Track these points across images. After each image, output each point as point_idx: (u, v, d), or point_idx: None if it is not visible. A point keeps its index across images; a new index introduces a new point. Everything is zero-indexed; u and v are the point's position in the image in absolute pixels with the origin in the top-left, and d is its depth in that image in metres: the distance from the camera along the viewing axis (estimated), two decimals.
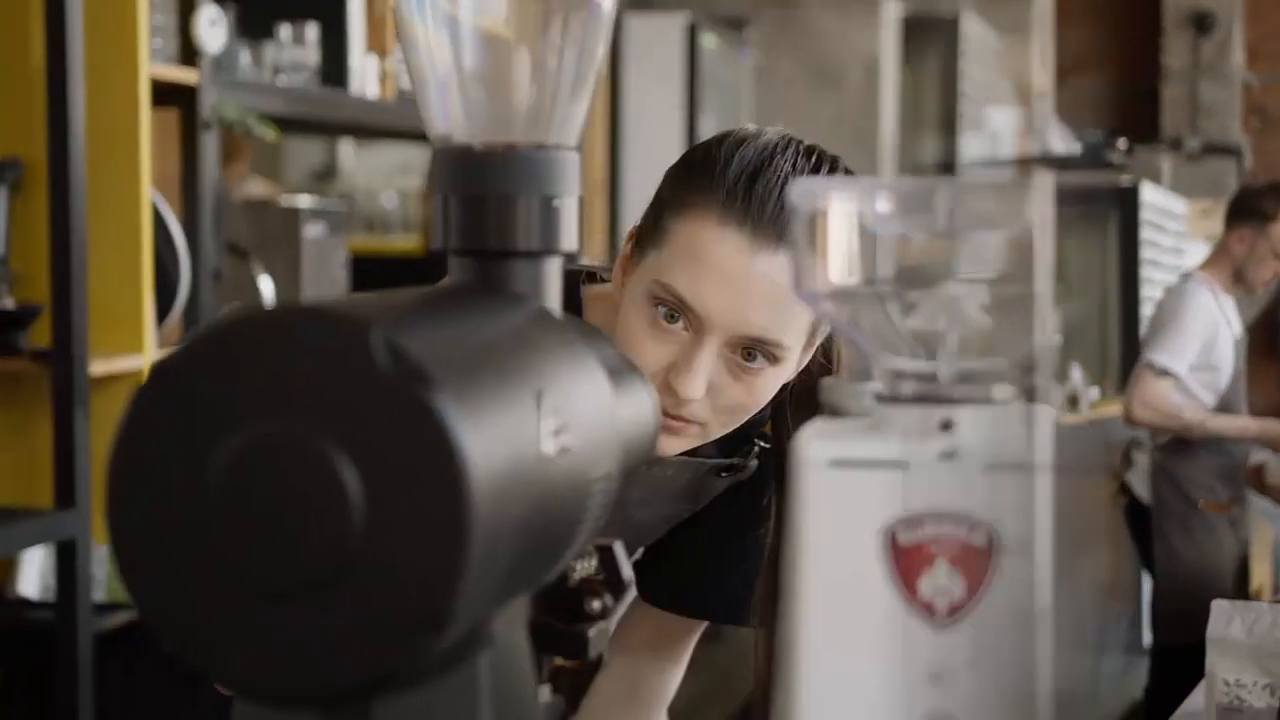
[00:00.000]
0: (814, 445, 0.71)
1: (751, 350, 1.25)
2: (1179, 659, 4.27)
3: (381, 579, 0.61)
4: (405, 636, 0.62)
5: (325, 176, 5.18)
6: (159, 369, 0.64)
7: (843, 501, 0.70)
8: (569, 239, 0.84)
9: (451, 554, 0.61)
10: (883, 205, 0.72)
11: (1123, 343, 7.04)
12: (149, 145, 2.53)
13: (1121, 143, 6.36)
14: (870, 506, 0.70)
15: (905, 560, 0.69)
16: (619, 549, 0.93)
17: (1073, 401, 5.77)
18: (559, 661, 0.98)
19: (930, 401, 0.71)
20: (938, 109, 7.25)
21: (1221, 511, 4.46)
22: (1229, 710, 1.92)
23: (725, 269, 1.23)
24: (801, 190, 0.72)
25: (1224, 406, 4.42)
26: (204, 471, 0.63)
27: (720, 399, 1.27)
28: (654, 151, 5.42)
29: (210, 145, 2.71)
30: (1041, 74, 5.21)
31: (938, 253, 0.74)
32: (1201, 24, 8.98)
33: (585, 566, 0.90)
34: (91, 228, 2.43)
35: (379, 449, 0.61)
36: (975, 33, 7.40)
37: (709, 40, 5.52)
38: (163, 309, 2.61)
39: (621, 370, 0.88)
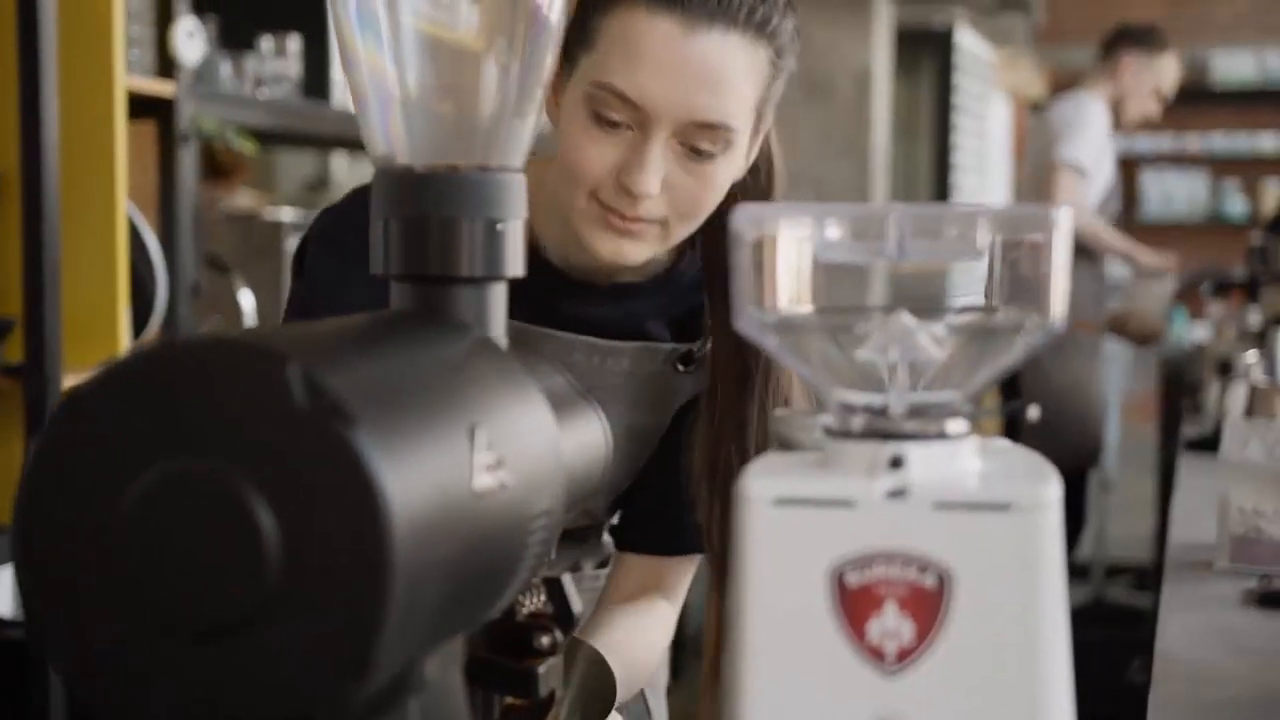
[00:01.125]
0: (759, 482, 0.68)
1: (699, 146, 1.23)
2: None
3: (299, 623, 0.59)
4: (325, 683, 0.59)
5: (317, 187, 5.15)
6: (72, 398, 0.62)
7: (789, 541, 0.67)
8: (514, 264, 0.81)
9: (372, 597, 0.58)
10: (832, 232, 0.70)
11: (934, 187, 7.18)
12: (125, 158, 2.50)
13: None
14: (817, 546, 0.67)
15: (853, 602, 0.67)
16: (567, 582, 0.90)
17: None
18: (510, 700, 0.95)
19: (880, 437, 0.69)
20: (931, 118, 7.25)
21: (1093, 333, 4.52)
22: (1245, 541, 1.80)
23: (662, 56, 1.21)
24: (746, 217, 0.70)
25: (1102, 214, 4.52)
26: (116, 507, 0.60)
27: (676, 194, 1.25)
28: None
29: (188, 158, 2.68)
30: None
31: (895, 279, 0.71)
32: None
33: (533, 601, 0.87)
34: (66, 241, 2.39)
35: (296, 487, 0.59)
36: (969, 45, 7.39)
37: None
38: (139, 323, 2.58)
39: (569, 398, 0.85)
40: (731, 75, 1.22)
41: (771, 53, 1.25)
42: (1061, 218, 0.68)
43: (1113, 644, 4.31)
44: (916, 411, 0.70)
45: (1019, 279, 0.69)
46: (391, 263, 0.80)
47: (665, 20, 1.21)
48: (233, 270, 3.01)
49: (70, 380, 2.38)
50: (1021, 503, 0.66)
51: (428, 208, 0.79)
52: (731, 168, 1.27)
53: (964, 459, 0.69)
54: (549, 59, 0.82)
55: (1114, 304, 4.81)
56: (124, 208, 2.49)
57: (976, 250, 0.69)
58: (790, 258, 0.70)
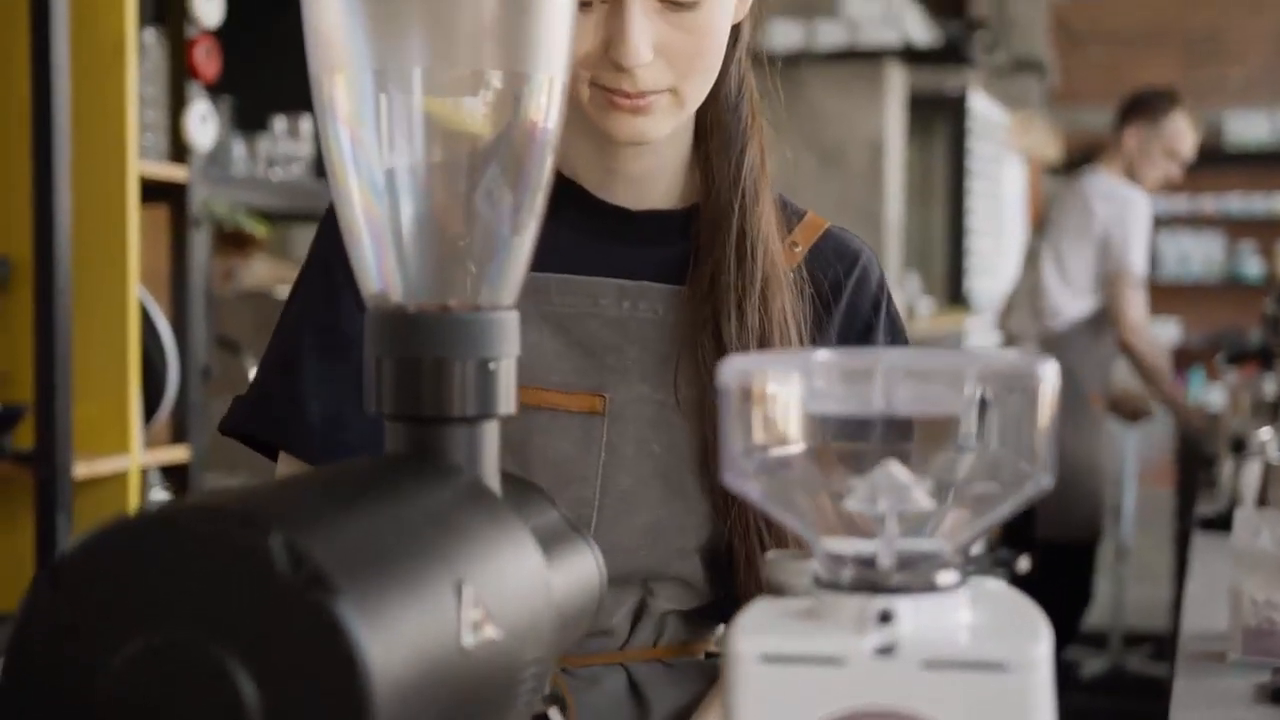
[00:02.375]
0: (747, 639, 0.67)
1: None
2: (1059, 554, 4.33)
3: None
4: None
5: None
6: (54, 568, 0.62)
7: (778, 698, 0.67)
8: (507, 401, 0.81)
9: None
10: (819, 383, 0.70)
11: (949, 252, 7.18)
12: (138, 243, 2.51)
13: (982, 35, 6.40)
14: (806, 704, 0.67)
15: None
16: (555, 717, 0.89)
17: (910, 312, 5.80)
18: None
19: (869, 589, 0.68)
20: (945, 182, 7.26)
21: (1103, 408, 4.55)
22: (1258, 634, 1.76)
23: None
24: (732, 369, 0.69)
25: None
26: (99, 678, 0.60)
27: (673, 54, 1.18)
28: None
29: (200, 242, 2.70)
30: None
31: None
32: None
33: None
34: (78, 327, 2.41)
35: (279, 658, 0.59)
36: (982, 109, 7.41)
37: None
38: (150, 408, 2.59)
39: (560, 534, 0.85)
40: None
41: None
42: (1048, 372, 0.68)
43: (1130, 715, 4.28)
44: (906, 563, 0.69)
45: (1008, 430, 0.69)
46: (384, 402, 0.80)
47: None
48: (244, 349, 3.02)
49: (81, 467, 2.39)
50: (1013, 662, 0.65)
51: (420, 348, 0.79)
52: (724, 9, 1.19)
53: (954, 612, 0.69)
54: (540, 197, 0.83)
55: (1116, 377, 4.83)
56: (135, 293, 2.50)
57: (964, 401, 0.69)
58: (777, 409, 0.70)
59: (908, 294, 6.24)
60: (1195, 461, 4.70)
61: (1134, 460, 6.00)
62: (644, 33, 1.15)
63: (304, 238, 3.95)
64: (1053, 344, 4.58)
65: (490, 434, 0.81)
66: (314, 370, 1.25)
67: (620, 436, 1.24)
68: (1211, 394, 8.71)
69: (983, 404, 0.69)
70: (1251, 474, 2.91)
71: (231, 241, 3.58)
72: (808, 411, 0.70)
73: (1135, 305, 4.44)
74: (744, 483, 0.71)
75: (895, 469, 0.69)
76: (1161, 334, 10.00)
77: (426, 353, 0.79)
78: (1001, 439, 0.70)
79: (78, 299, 2.41)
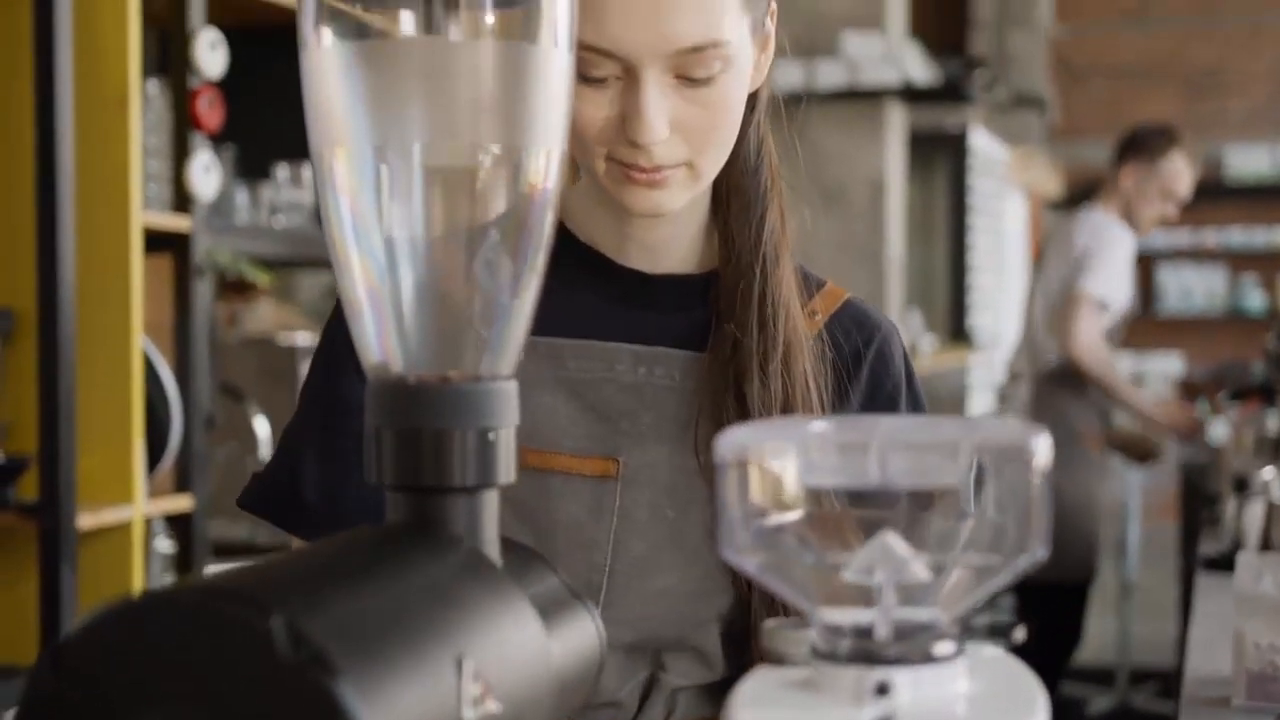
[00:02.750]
0: (746, 711, 0.68)
1: (694, 74, 1.14)
2: (1050, 596, 4.30)
3: None
4: None
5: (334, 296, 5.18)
6: (57, 648, 0.62)
7: None
8: (507, 471, 0.81)
9: None
10: (815, 456, 0.70)
11: (951, 288, 7.18)
12: (141, 293, 2.52)
13: (981, 74, 6.42)
14: None
15: None
16: None
17: (912, 349, 5.79)
18: None
19: (867, 661, 0.69)
20: (946, 219, 7.29)
21: (1097, 450, 4.53)
22: (1262, 679, 1.74)
23: None
24: (728, 443, 0.70)
25: (1108, 341, 4.55)
26: None
27: (689, 130, 1.16)
28: None
29: (203, 291, 2.71)
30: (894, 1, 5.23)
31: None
32: None
33: None
34: (82, 377, 2.42)
35: None
36: (982, 145, 7.44)
37: None
38: (154, 458, 2.59)
39: (560, 600, 0.85)
40: None
41: None
42: (1041, 445, 0.68)
43: None
44: (903, 633, 0.70)
45: (1003, 500, 0.70)
46: (385, 472, 0.80)
47: None
48: (248, 397, 3.03)
49: (85, 518, 2.39)
50: None
51: (420, 419, 0.80)
52: (740, 81, 1.18)
53: (952, 682, 0.69)
54: (539, 268, 0.83)
55: (1121, 420, 4.82)
56: (139, 344, 2.51)
57: (959, 473, 0.69)
58: (773, 481, 0.71)
59: (910, 331, 6.25)
60: (1198, 498, 4.70)
61: (1138, 495, 6.00)
62: (659, 110, 1.14)
63: (307, 283, 3.97)
64: (1045, 383, 4.60)
65: (490, 503, 0.81)
66: (314, 446, 1.26)
67: (633, 501, 1.24)
68: (1215, 428, 8.71)
69: (978, 475, 0.70)
70: (1254, 514, 2.91)
71: (235, 286, 3.60)
72: (804, 483, 0.71)
73: (1084, 323, 4.40)
74: (741, 555, 0.71)
75: (892, 540, 0.70)
76: (1164, 367, 10.02)
77: (427, 423, 0.79)
78: (997, 510, 0.70)
79: (81, 350, 2.42)
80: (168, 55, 2.80)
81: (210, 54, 2.66)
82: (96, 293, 2.47)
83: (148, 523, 2.65)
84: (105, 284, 2.48)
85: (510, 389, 0.82)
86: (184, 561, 2.73)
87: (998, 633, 3.55)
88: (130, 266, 2.48)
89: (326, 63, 0.79)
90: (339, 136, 0.79)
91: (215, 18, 2.81)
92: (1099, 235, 4.56)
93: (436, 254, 0.81)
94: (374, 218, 0.80)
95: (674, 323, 1.28)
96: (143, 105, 2.59)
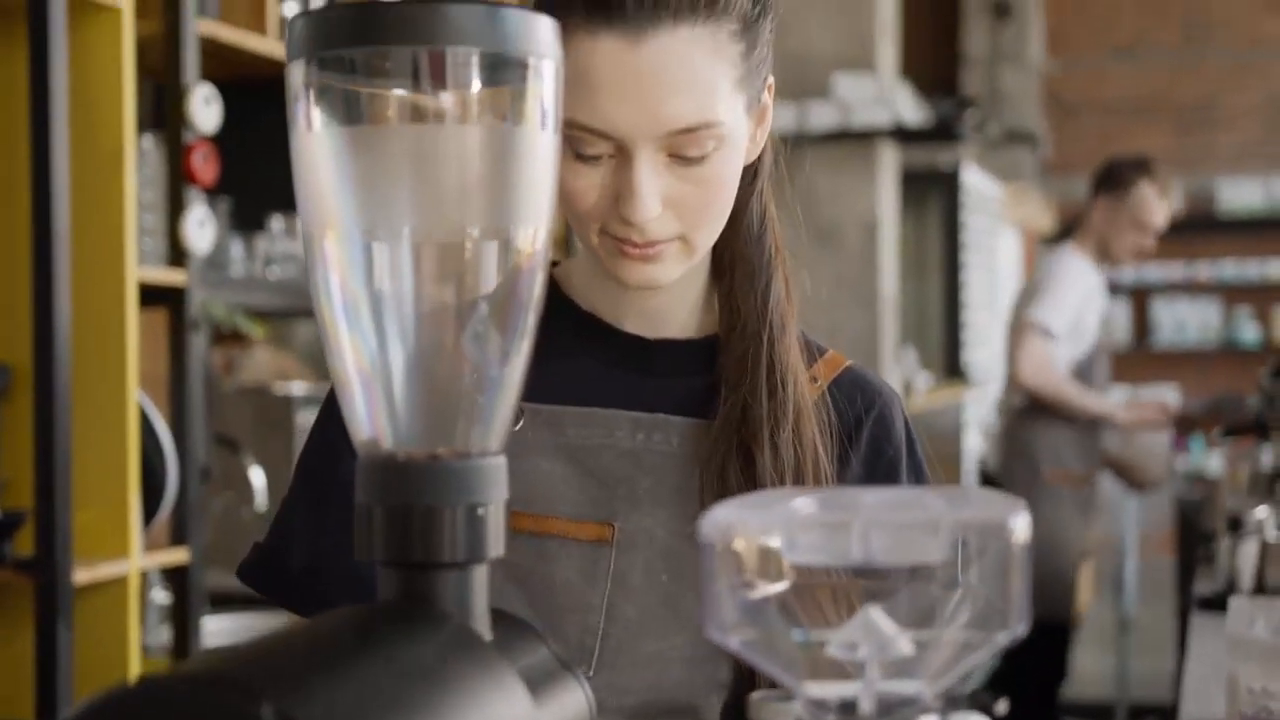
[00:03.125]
0: None
1: (687, 153, 1.15)
2: (1029, 636, 4.23)
3: None
4: None
5: None
6: None
7: None
8: (495, 545, 0.83)
9: None
10: (798, 533, 0.71)
11: (945, 325, 7.19)
12: (136, 349, 2.53)
13: (972, 114, 6.44)
14: None
15: None
16: None
17: (907, 387, 5.80)
18: None
19: None
20: (940, 256, 7.31)
21: (1069, 486, 4.50)
22: None
23: (615, 76, 1.12)
24: (713, 524, 0.71)
25: (1079, 376, 4.54)
26: None
27: (682, 206, 1.17)
28: None
29: (198, 344, 2.72)
30: (885, 42, 5.25)
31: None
32: (1000, 10, 9.21)
33: None
34: (77, 432, 2.43)
35: None
36: (975, 182, 7.47)
37: None
38: (150, 511, 2.60)
39: (550, 673, 0.86)
40: (694, 70, 1.14)
41: (734, 26, 1.17)
42: (1019, 524, 0.69)
43: None
44: (887, 707, 0.71)
45: (985, 577, 0.71)
46: (375, 549, 0.82)
47: (608, 37, 1.13)
48: (243, 448, 3.04)
49: (81, 573, 2.40)
50: None
51: (410, 496, 0.81)
52: (735, 157, 1.19)
53: None
54: (525, 346, 0.84)
55: (1113, 446, 4.81)
56: (135, 399, 2.52)
57: (940, 550, 0.71)
58: (757, 560, 0.72)
59: (905, 369, 6.26)
60: (1194, 534, 4.70)
61: (1134, 530, 6.01)
62: (652, 188, 1.15)
63: (303, 331, 3.98)
64: (1014, 419, 4.61)
65: (480, 578, 0.83)
66: (302, 521, 1.28)
67: (629, 566, 1.24)
68: (1210, 460, 8.72)
69: (960, 551, 0.71)
70: (1248, 553, 2.91)
71: (232, 333, 3.61)
72: (788, 562, 0.72)
73: (1027, 348, 4.40)
74: (726, 632, 0.72)
75: (875, 615, 0.71)
76: (1159, 399, 10.02)
77: (416, 500, 0.80)
78: (980, 585, 0.71)
79: (77, 405, 2.43)
80: (162, 109, 2.82)
81: (205, 109, 2.68)
82: (92, 348, 2.48)
83: (144, 576, 2.65)
84: (101, 339, 2.49)
85: (499, 464, 0.83)
86: (180, 613, 2.74)
87: (980, 704, 3.55)
88: (125, 321, 2.49)
89: (316, 146, 0.81)
90: (329, 219, 0.81)
91: (209, 70, 2.83)
92: (1054, 267, 4.60)
93: (426, 333, 0.82)
94: (364, 297, 0.82)
95: (673, 388, 1.29)
96: (138, 160, 2.61)
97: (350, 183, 0.81)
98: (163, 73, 2.73)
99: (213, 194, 2.87)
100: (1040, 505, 4.33)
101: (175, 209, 2.68)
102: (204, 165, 2.67)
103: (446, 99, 0.80)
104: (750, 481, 1.23)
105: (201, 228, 2.69)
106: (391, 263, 0.81)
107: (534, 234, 0.84)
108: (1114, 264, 4.70)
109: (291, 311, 3.33)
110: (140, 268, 2.57)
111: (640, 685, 1.25)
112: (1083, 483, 4.59)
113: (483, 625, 0.81)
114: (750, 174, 1.26)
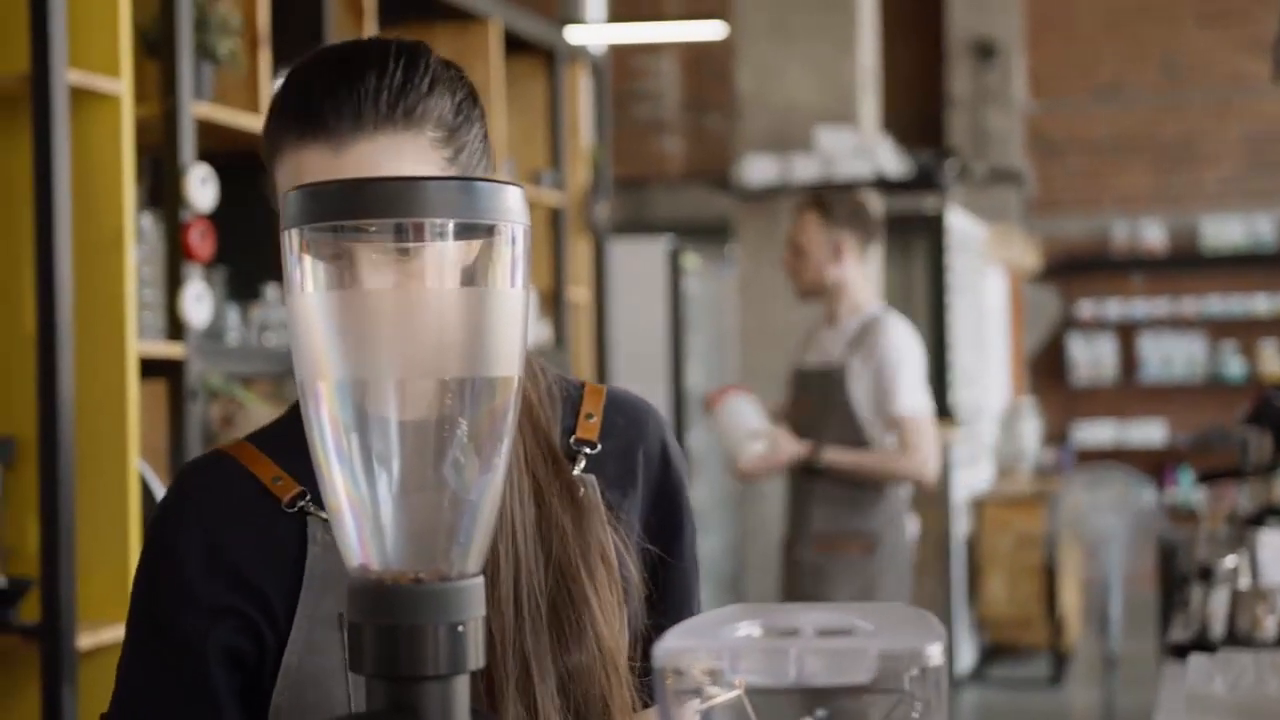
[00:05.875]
0: None
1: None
2: None
3: None
4: None
5: None
6: None
7: None
8: (475, 658, 0.92)
9: None
10: (741, 660, 0.80)
11: (933, 367, 7.26)
12: (137, 421, 2.62)
13: (952, 164, 6.53)
14: None
15: None
16: None
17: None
18: None
19: None
20: (926, 298, 7.40)
21: (857, 552, 4.06)
22: None
23: (322, 178, 1.19)
24: (663, 650, 0.80)
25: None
26: None
27: None
28: (642, 374, 5.57)
29: (196, 413, 2.81)
30: (867, 95, 5.31)
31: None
32: (983, 52, 9.31)
33: None
34: (80, 501, 2.51)
35: None
36: (960, 225, 7.57)
37: (690, 261, 5.66)
38: None
39: None
40: (394, 173, 1.22)
41: (435, 134, 1.24)
42: (935, 651, 0.78)
43: None
44: None
45: (908, 692, 0.80)
46: (365, 663, 0.91)
47: (313, 146, 1.21)
48: None
49: (85, 638, 2.48)
50: None
51: (396, 616, 0.90)
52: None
53: None
54: (504, 462, 0.93)
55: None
56: (136, 469, 2.60)
57: (866, 673, 0.80)
58: (705, 681, 0.81)
59: None
60: (1175, 572, 4.78)
61: (1119, 567, 6.09)
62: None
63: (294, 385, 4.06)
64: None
65: (461, 688, 0.92)
66: (158, 692, 1.28)
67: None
68: (1197, 495, 8.81)
69: (887, 673, 0.80)
70: (1219, 601, 2.99)
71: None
72: (730, 682, 0.81)
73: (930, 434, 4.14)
74: None
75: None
76: (1147, 434, 10.15)
77: (402, 620, 0.90)
78: (903, 700, 0.80)
79: (80, 475, 2.52)
80: (159, 184, 2.91)
81: (201, 189, 2.78)
82: (94, 419, 2.57)
83: None
84: (103, 411, 2.58)
85: (477, 585, 0.92)
86: None
87: None
88: (127, 394, 2.58)
89: (310, 306, 0.90)
90: (321, 371, 0.90)
91: (204, 144, 2.92)
92: (892, 341, 4.17)
93: (410, 471, 0.91)
94: (353, 437, 0.91)
95: None
96: (137, 239, 2.70)
97: (339, 338, 0.90)
98: (160, 146, 2.83)
99: (209, 265, 2.96)
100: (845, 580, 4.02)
101: (173, 284, 2.78)
102: (201, 242, 2.77)
103: (426, 263, 0.89)
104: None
105: (199, 302, 2.78)
106: (377, 406, 0.91)
107: (506, 377, 0.93)
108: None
109: (288, 373, 3.43)
110: (140, 341, 2.66)
111: None
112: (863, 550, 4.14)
113: None
114: None
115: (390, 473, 0.91)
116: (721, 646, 0.81)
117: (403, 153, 1.23)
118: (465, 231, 0.89)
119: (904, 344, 4.01)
